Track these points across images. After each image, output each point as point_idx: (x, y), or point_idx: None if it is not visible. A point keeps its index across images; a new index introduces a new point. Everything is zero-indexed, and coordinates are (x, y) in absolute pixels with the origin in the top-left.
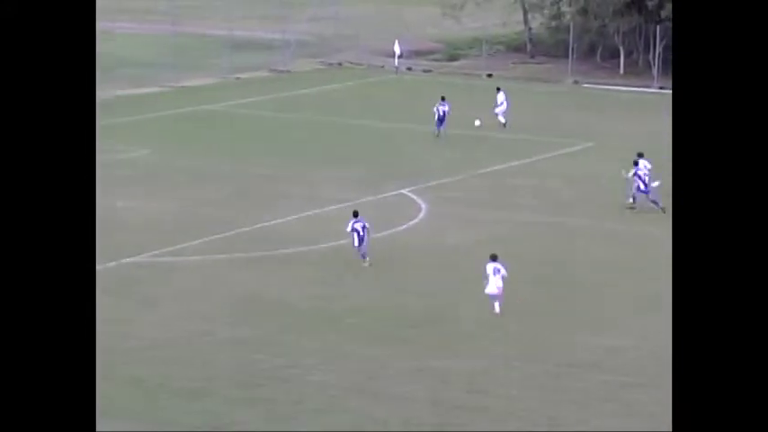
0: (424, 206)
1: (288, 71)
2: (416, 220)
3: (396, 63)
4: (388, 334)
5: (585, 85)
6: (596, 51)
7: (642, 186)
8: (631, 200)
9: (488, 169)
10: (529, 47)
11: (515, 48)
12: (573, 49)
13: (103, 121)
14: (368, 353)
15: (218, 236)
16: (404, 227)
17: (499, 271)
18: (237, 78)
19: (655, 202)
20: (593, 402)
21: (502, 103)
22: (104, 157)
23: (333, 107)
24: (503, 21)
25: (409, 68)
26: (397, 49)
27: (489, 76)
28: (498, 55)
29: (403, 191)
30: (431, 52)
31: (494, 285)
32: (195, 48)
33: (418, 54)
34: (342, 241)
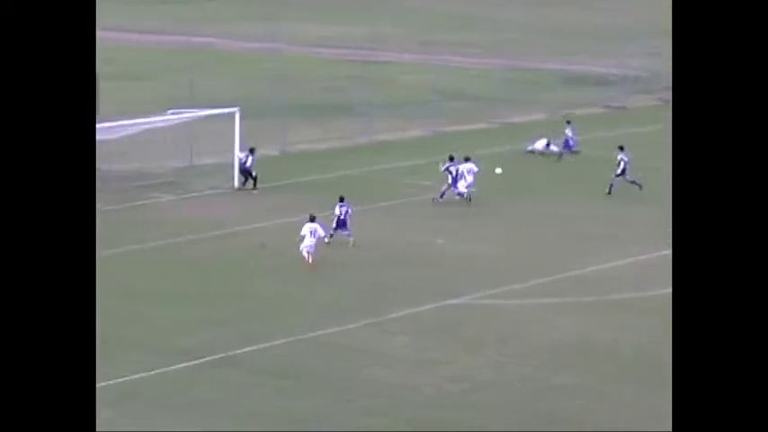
0: None
1: (623, 107)
2: None
3: None
4: None
5: None
6: None
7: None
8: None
9: None
10: None
11: None
12: None
13: (428, 159)
14: None
15: (544, 279)
16: None
17: (316, 232)
18: (569, 115)
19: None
20: None
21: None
22: (424, 196)
23: (667, 146)
24: None
25: None
26: None
27: None
28: None
29: None
30: None
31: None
32: (526, 82)
33: None
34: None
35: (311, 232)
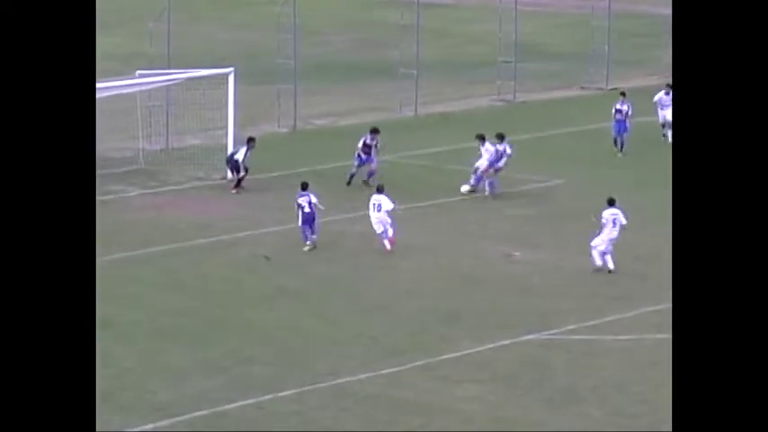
0: None
1: None
2: None
3: None
4: None
5: None
6: None
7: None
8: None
9: None
10: None
11: None
12: None
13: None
14: None
15: (661, 305)
16: None
17: (380, 206)
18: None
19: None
20: None
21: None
22: (505, 189)
23: None
24: None
25: None
26: None
27: None
28: None
29: None
30: None
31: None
32: (635, 34)
33: None
34: None
35: (375, 206)
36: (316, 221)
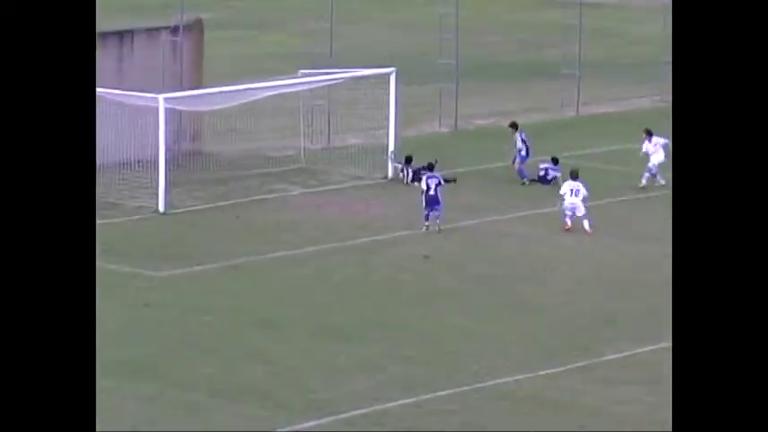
0: None
1: None
2: None
3: None
4: None
5: None
6: None
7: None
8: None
9: None
10: None
11: None
12: None
13: (611, 146)
14: None
15: None
16: None
17: (579, 191)
18: None
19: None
20: None
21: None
22: (658, 191)
23: None
24: None
25: None
26: None
27: None
28: None
29: None
30: None
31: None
32: None
33: None
34: None
35: (573, 191)
36: (440, 205)
